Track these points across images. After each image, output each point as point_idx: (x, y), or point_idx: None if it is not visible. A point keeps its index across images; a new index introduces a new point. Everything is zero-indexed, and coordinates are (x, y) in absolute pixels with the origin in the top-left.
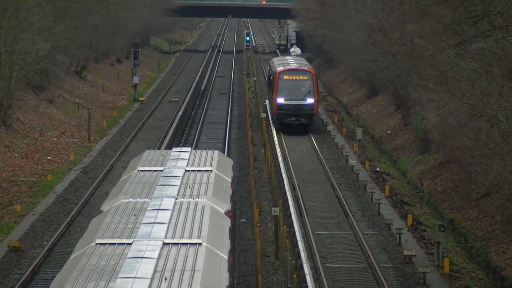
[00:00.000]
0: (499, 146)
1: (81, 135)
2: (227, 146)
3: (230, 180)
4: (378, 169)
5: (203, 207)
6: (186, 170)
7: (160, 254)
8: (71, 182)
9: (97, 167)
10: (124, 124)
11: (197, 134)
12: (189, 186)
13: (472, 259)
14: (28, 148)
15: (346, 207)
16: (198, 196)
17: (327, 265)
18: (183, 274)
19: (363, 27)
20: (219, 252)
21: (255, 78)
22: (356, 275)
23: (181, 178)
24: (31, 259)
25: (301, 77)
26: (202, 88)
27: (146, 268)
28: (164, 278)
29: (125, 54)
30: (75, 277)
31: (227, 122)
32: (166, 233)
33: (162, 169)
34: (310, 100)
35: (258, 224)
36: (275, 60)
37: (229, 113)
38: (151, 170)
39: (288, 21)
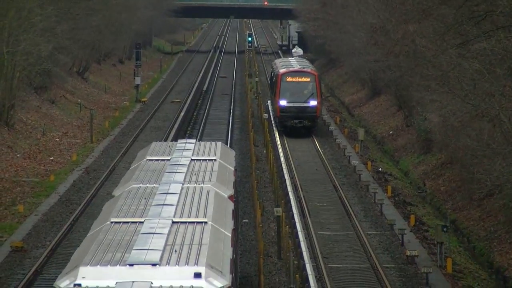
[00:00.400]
0: (502, 146)
1: (83, 135)
2: (229, 146)
3: (232, 168)
4: (380, 169)
5: (208, 191)
6: (191, 159)
7: (170, 231)
8: (73, 183)
9: (99, 168)
10: (126, 124)
11: (199, 135)
12: (195, 173)
13: (475, 259)
14: (30, 148)
15: (349, 207)
16: (203, 182)
17: (329, 265)
18: (191, 247)
19: (365, 28)
20: (223, 230)
21: (257, 79)
22: (358, 275)
23: (187, 166)
24: (34, 259)
25: (304, 79)
26: (204, 88)
27: (157, 242)
28: (174, 250)
29: (127, 55)
30: (94, 250)
31: (229, 122)
32: (175, 213)
33: (169, 158)
34: (313, 103)
35: (260, 225)
36: (278, 62)
37: (231, 114)
38: (158, 160)
39: (290, 21)
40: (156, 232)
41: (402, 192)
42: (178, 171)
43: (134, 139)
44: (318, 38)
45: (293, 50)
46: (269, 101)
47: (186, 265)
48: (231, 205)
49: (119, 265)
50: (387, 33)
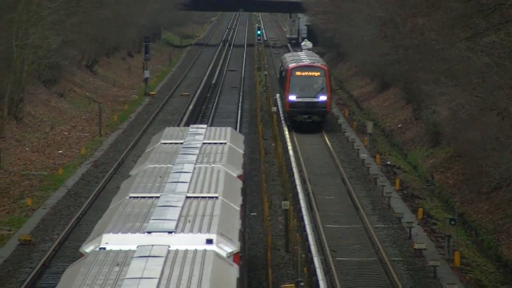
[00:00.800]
0: (510, 139)
1: (92, 129)
2: None
3: (241, 151)
4: (389, 162)
5: (219, 171)
6: (203, 143)
7: (184, 204)
8: (82, 176)
9: (108, 161)
10: (135, 118)
11: None
12: (206, 155)
13: (483, 253)
14: (39, 142)
15: (357, 200)
16: (214, 163)
17: (337, 258)
18: (203, 218)
19: (374, 21)
20: (232, 205)
21: (266, 72)
22: (366, 268)
23: (199, 148)
24: (42, 252)
25: (314, 74)
26: (213, 82)
27: (173, 213)
28: (188, 220)
29: (136, 48)
30: (115, 221)
31: (238, 116)
32: (188, 189)
33: (182, 141)
34: (323, 98)
35: (268, 218)
36: (287, 56)
37: (239, 107)
38: (172, 143)
39: (299, 15)
40: (171, 205)
41: (410, 185)
42: (191, 153)
43: (142, 133)
44: (327, 31)
45: (302, 44)
46: (277, 95)
47: (199, 233)
48: (240, 183)
49: (139, 232)
50: (396, 26)
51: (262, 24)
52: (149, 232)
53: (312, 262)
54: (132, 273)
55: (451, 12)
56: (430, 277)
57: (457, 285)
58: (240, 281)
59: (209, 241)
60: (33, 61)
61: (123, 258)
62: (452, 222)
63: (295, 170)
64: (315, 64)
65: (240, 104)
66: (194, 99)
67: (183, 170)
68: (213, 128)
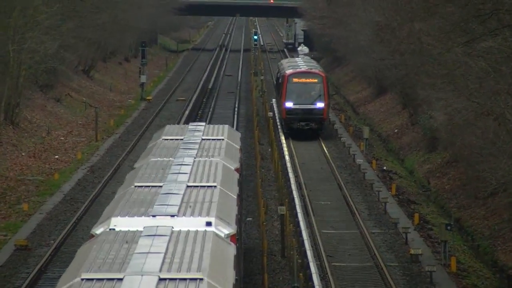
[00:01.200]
0: (507, 145)
1: (88, 134)
2: None
3: (238, 147)
4: (385, 168)
5: (217, 163)
6: (202, 139)
7: (185, 192)
8: (78, 181)
9: (104, 166)
10: (131, 123)
11: None
12: (205, 150)
13: (479, 258)
14: (35, 147)
15: (353, 206)
16: (212, 156)
17: (333, 264)
18: (203, 204)
19: (371, 26)
20: (230, 193)
21: (262, 77)
22: (362, 274)
23: (198, 144)
24: (38, 258)
25: (311, 80)
26: (210, 86)
27: (175, 200)
28: (189, 205)
29: (133, 53)
30: (121, 206)
31: (234, 121)
32: (189, 179)
33: (182, 138)
34: (320, 105)
35: (264, 223)
36: (284, 62)
37: (236, 112)
38: (173, 139)
39: (296, 19)
40: (173, 193)
41: (406, 190)
42: (190, 147)
43: (139, 138)
44: (324, 36)
45: (298, 48)
46: (273, 100)
47: (199, 216)
48: (236, 175)
49: (144, 216)
50: (392, 31)
51: (258, 29)
52: (153, 216)
53: (308, 267)
54: (141, 249)
55: (448, 17)
56: (426, 283)
57: None
58: (236, 258)
59: (209, 224)
60: (29, 66)
61: (132, 237)
62: (449, 228)
63: (291, 175)
64: (313, 70)
65: (236, 109)
66: (191, 104)
67: (184, 163)
68: (211, 125)
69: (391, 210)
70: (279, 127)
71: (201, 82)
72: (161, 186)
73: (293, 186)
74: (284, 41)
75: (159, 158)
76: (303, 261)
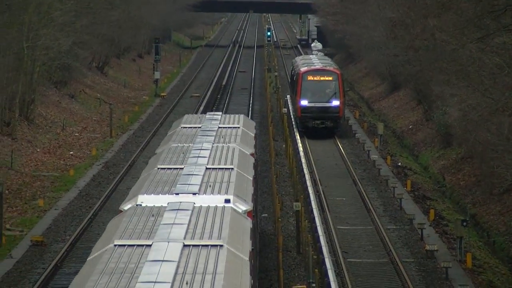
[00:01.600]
0: None
1: (103, 130)
2: None
3: (253, 134)
4: (399, 164)
5: (234, 148)
6: (219, 127)
7: (204, 174)
8: (93, 177)
9: (118, 162)
10: (145, 119)
11: None
12: (222, 136)
13: (495, 254)
14: (50, 143)
15: (368, 202)
16: (229, 142)
17: (348, 260)
18: (222, 184)
19: (384, 22)
20: (246, 175)
21: (276, 73)
22: (378, 270)
23: (215, 131)
24: (54, 253)
25: (326, 78)
26: (223, 83)
27: (195, 180)
28: (209, 185)
29: (146, 50)
30: (146, 186)
31: (248, 117)
32: (208, 162)
33: (200, 126)
34: (335, 102)
35: (279, 219)
36: (299, 60)
37: (250, 108)
38: (191, 127)
39: (309, 16)
40: (194, 174)
41: (421, 186)
42: (208, 134)
43: (153, 134)
44: (337, 32)
45: (312, 45)
46: (288, 96)
47: (219, 194)
48: (252, 160)
49: (168, 194)
50: (406, 27)
51: (272, 25)
52: (176, 194)
53: (323, 263)
54: (166, 221)
55: (462, 13)
56: (442, 279)
57: (469, 286)
58: (252, 231)
59: (227, 201)
60: (44, 62)
61: (157, 211)
62: (464, 224)
63: (306, 171)
64: (328, 67)
65: (250, 105)
66: (205, 101)
67: (203, 148)
68: (227, 115)
69: (407, 206)
70: (293, 123)
71: (215, 79)
72: (182, 168)
73: (308, 182)
74: (298, 37)
75: (179, 144)
76: (318, 257)
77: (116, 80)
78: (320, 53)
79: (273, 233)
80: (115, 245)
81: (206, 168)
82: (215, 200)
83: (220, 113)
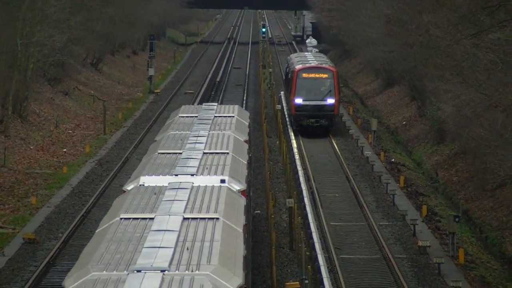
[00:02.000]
0: None
1: (97, 127)
2: None
3: (247, 123)
4: (393, 160)
5: (229, 136)
6: (215, 116)
7: (201, 158)
8: (86, 174)
9: (112, 159)
10: (139, 116)
11: None
12: (218, 125)
13: (487, 250)
14: (43, 140)
15: (361, 198)
16: (224, 130)
17: (341, 256)
18: (218, 166)
19: (379, 18)
20: (240, 159)
21: (270, 70)
22: (370, 266)
23: (211, 120)
24: (46, 251)
25: (321, 76)
26: (218, 79)
27: (193, 163)
28: (206, 167)
29: (141, 46)
30: (148, 168)
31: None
32: (205, 147)
33: (197, 115)
34: (330, 101)
35: (272, 216)
36: (293, 57)
37: (244, 105)
38: (188, 116)
39: (304, 12)
40: (192, 157)
41: (414, 182)
42: (205, 123)
43: (147, 131)
44: (332, 28)
45: (307, 41)
46: (282, 92)
47: (215, 175)
48: (246, 146)
49: (168, 175)
50: (401, 23)
51: (267, 21)
52: (176, 175)
53: (316, 260)
54: (167, 198)
55: (456, 9)
56: (434, 274)
57: (461, 282)
58: (246, 208)
59: (223, 181)
60: (38, 59)
61: (159, 190)
62: (457, 219)
63: (299, 167)
64: (323, 65)
65: (244, 101)
66: (199, 97)
67: (200, 135)
68: (222, 105)
69: (399, 202)
70: (287, 119)
71: (209, 75)
72: (181, 153)
73: (301, 179)
74: (293, 33)
75: (177, 132)
76: (311, 254)
77: (110, 76)
78: (314, 49)
79: (266, 229)
80: (121, 219)
81: (203, 153)
82: (211, 180)
83: (216, 103)
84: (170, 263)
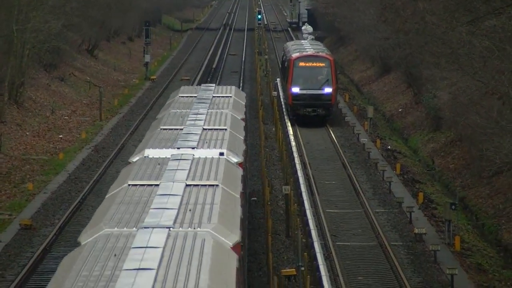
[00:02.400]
0: (511, 124)
1: (93, 113)
2: None
3: (243, 103)
4: (389, 147)
5: (226, 114)
6: (213, 96)
7: (201, 133)
8: (82, 161)
9: (108, 146)
10: (135, 102)
11: None
12: (216, 104)
13: (483, 237)
14: (39, 126)
15: (357, 185)
16: (222, 109)
17: (337, 243)
18: (216, 141)
19: (375, 5)
20: (237, 135)
21: (266, 56)
22: (366, 253)
23: (210, 100)
24: (43, 237)
25: (318, 64)
26: (214, 66)
27: (194, 138)
28: (205, 141)
29: (137, 33)
30: (152, 142)
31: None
32: (204, 124)
33: (196, 95)
34: (328, 90)
35: (269, 203)
36: (290, 45)
37: None
38: (188, 96)
39: None
40: (192, 133)
41: (411, 169)
42: (204, 102)
43: (143, 117)
44: (328, 15)
45: (303, 28)
46: (278, 79)
47: (214, 148)
48: (242, 123)
49: (170, 148)
50: (396, 10)
51: (262, 8)
52: (178, 148)
53: (312, 247)
54: (170, 167)
55: None
56: (430, 262)
57: (457, 269)
58: (243, 178)
59: (222, 154)
60: (33, 45)
61: (162, 161)
62: (453, 207)
63: (295, 154)
64: (320, 54)
65: (240, 88)
66: (195, 84)
67: (199, 113)
68: (220, 86)
69: (396, 189)
70: (283, 106)
71: (205, 62)
72: (182, 129)
73: (298, 166)
74: (288, 20)
75: (178, 110)
76: (307, 241)
77: (106, 63)
78: (310, 36)
79: (262, 216)
80: (129, 185)
81: (203, 129)
82: (211, 153)
83: (214, 84)
84: (175, 221)
